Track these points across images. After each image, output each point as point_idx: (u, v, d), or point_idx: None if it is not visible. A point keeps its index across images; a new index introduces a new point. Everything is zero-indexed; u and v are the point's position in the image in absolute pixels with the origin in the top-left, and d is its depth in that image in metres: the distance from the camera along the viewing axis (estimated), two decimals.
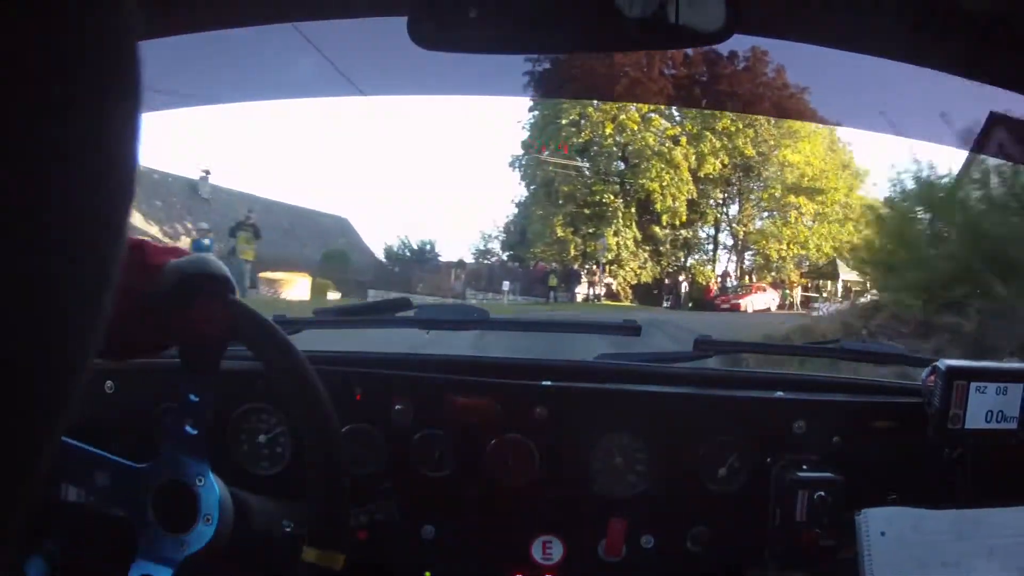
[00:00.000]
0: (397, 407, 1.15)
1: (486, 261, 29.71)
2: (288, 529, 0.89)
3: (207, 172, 22.13)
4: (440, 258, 28.86)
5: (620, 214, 27.25)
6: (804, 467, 1.11)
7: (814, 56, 0.94)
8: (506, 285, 22.55)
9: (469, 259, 29.05)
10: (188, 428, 0.85)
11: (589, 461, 1.15)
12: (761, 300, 24.56)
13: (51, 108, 0.23)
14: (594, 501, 1.15)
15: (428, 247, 30.10)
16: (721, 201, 29.48)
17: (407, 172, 49.37)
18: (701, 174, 27.27)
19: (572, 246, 26.91)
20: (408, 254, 29.60)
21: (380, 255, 28.96)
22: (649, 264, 27.99)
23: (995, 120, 1.14)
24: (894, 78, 1.00)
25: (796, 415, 1.15)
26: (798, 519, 1.08)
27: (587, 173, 27.67)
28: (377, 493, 1.12)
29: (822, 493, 1.07)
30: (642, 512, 1.15)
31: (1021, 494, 1.09)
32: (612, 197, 27.27)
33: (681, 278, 27.66)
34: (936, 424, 1.11)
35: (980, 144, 1.26)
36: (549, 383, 1.19)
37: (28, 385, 0.24)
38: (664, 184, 26.87)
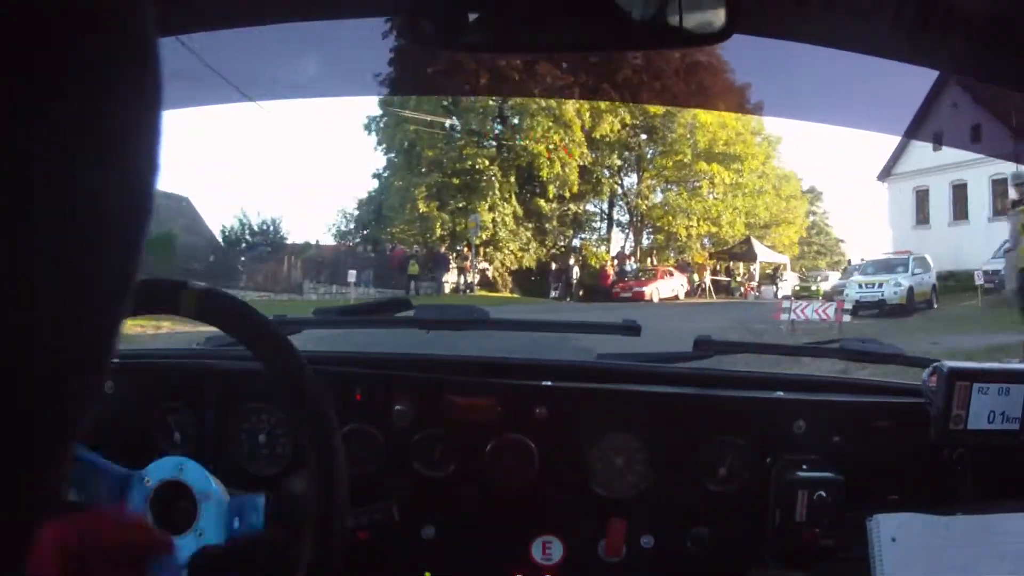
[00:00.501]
0: (397, 407, 1.15)
1: (347, 244, 23.49)
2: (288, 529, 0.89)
3: None
4: (287, 241, 22.62)
5: (497, 184, 21.51)
6: (804, 467, 1.11)
7: (814, 55, 0.94)
8: (352, 275, 18.10)
9: (329, 242, 23.40)
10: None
11: (589, 461, 1.15)
12: (668, 286, 20.78)
13: (69, 110, 0.23)
14: (594, 501, 1.15)
15: (270, 227, 22.96)
16: (618, 169, 24.19)
17: (257, 134, 42.05)
18: (596, 135, 22.17)
19: (438, 224, 21.35)
20: (249, 237, 22.93)
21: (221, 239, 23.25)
22: (532, 245, 22.47)
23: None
24: (894, 76, 1.00)
25: (796, 415, 1.15)
26: (798, 519, 1.08)
27: (457, 134, 22.00)
28: (377, 493, 1.12)
29: (822, 493, 1.07)
30: (642, 512, 1.14)
31: (1022, 494, 1.09)
32: (487, 163, 21.54)
33: (571, 261, 22.26)
34: (939, 425, 1.11)
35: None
36: (549, 383, 1.19)
37: (48, 385, 0.25)
38: (552, 147, 21.40)
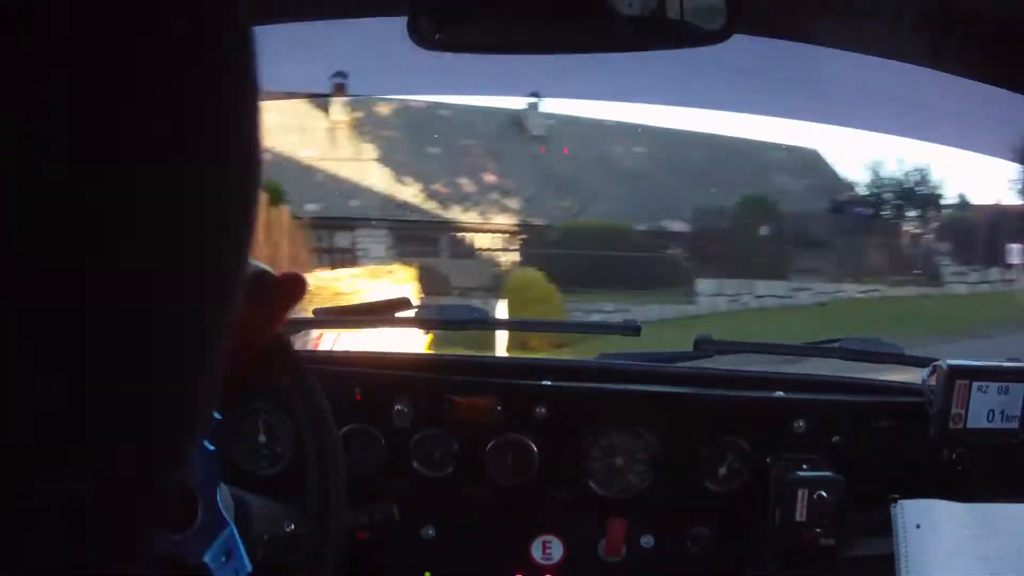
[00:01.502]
0: (397, 407, 1.15)
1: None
2: (289, 529, 0.89)
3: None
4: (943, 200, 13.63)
5: None
6: (804, 467, 1.11)
7: (813, 55, 0.94)
8: (1017, 252, 11.17)
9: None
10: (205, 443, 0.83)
11: (589, 461, 1.15)
12: None
13: (162, 105, 0.21)
14: (594, 501, 1.15)
15: (913, 180, 13.75)
16: None
17: None
18: None
19: None
20: (897, 198, 13.57)
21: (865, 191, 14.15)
22: None
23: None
24: (897, 79, 1.00)
25: (796, 415, 1.15)
26: (798, 519, 1.08)
27: None
28: (377, 493, 1.12)
29: (822, 493, 1.07)
30: (642, 512, 1.15)
31: (1022, 493, 1.09)
32: None
33: None
34: (938, 424, 1.11)
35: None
36: (549, 383, 1.19)
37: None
38: None
